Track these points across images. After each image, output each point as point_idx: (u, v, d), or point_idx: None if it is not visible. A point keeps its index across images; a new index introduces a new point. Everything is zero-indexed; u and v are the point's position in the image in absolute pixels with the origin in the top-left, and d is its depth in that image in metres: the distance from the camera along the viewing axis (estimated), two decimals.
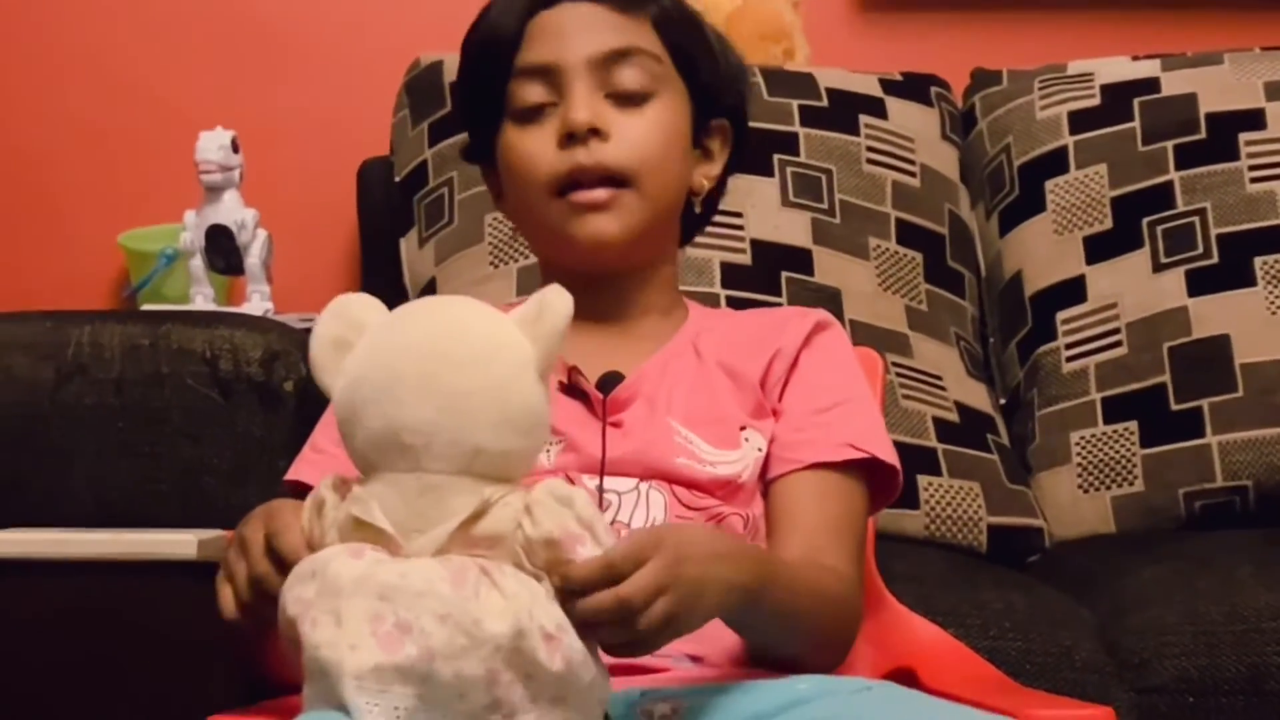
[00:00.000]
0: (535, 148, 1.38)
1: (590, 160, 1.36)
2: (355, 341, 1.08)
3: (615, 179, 1.37)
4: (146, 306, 2.30)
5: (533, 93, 1.39)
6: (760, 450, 1.36)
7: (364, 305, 1.10)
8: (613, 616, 1.04)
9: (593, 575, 1.03)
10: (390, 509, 1.04)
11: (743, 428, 1.37)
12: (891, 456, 1.38)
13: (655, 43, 1.40)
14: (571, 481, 1.30)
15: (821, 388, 1.40)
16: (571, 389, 1.35)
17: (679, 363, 1.40)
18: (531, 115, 1.39)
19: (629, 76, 1.38)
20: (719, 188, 1.50)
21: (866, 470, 1.38)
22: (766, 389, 1.39)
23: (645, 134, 1.38)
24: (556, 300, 1.07)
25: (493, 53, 1.41)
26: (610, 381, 1.35)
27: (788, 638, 1.24)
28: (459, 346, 1.05)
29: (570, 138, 1.36)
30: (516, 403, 1.05)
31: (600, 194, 1.36)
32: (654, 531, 1.10)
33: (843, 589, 1.30)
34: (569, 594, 1.04)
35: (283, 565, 1.07)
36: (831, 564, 1.31)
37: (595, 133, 1.36)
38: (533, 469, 1.09)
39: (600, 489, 1.31)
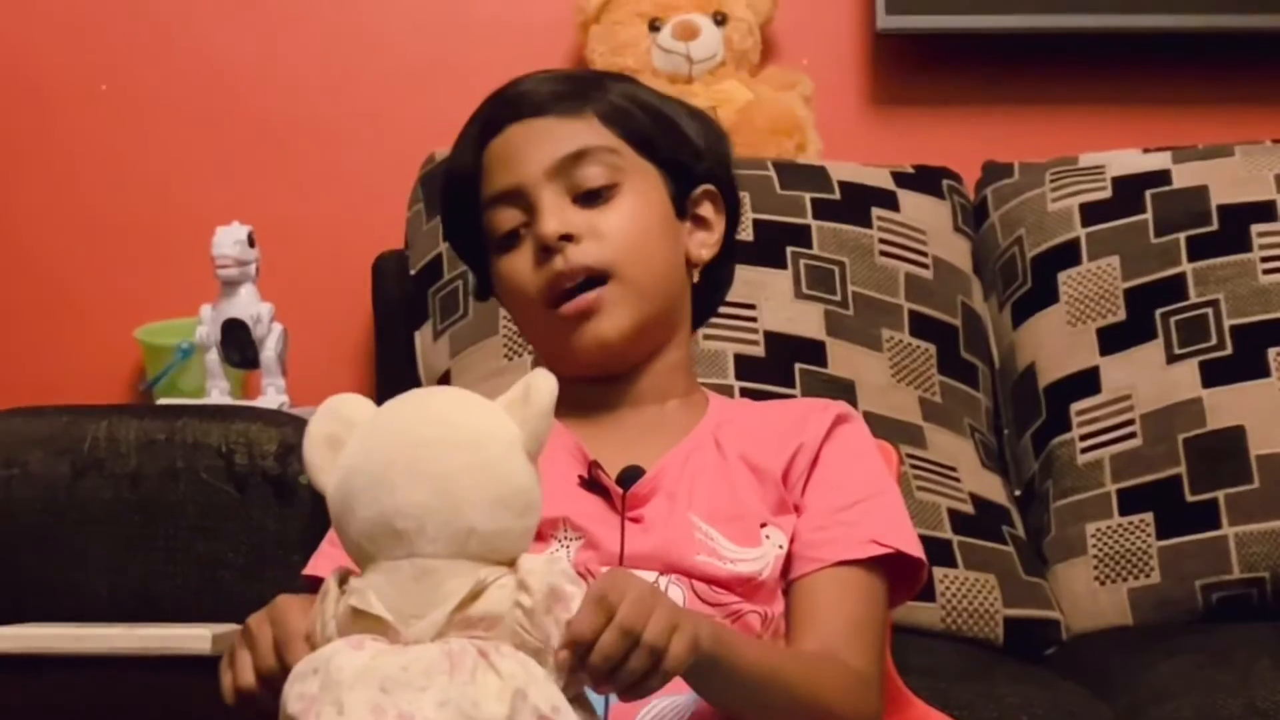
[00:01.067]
0: (519, 270, 1.40)
1: (567, 266, 1.38)
2: (347, 439, 1.09)
3: (596, 277, 1.38)
4: (163, 401, 2.31)
5: (506, 219, 1.41)
6: (781, 548, 1.36)
7: (354, 404, 1.12)
8: (624, 647, 1.05)
9: (594, 617, 1.04)
10: (387, 597, 1.05)
11: (764, 524, 1.36)
12: (916, 549, 1.38)
13: (607, 136, 1.42)
14: (591, 574, 1.30)
15: (844, 484, 1.39)
16: (592, 484, 1.35)
17: (700, 456, 1.40)
18: (510, 242, 1.41)
19: (589, 175, 1.40)
20: (725, 255, 1.50)
21: (889, 564, 1.37)
22: (789, 484, 1.39)
23: (617, 227, 1.39)
24: (541, 382, 1.09)
25: (460, 192, 1.45)
26: (631, 476, 1.35)
27: (759, 698, 1.22)
28: (446, 431, 1.07)
29: (545, 250, 1.38)
30: (507, 482, 1.07)
31: (587, 298, 1.38)
32: (616, 570, 1.13)
33: (853, 683, 1.29)
34: (579, 656, 1.05)
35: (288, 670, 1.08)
36: (849, 661, 1.30)
37: (567, 238, 1.38)
38: (526, 550, 1.09)
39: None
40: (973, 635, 2.03)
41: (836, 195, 2.31)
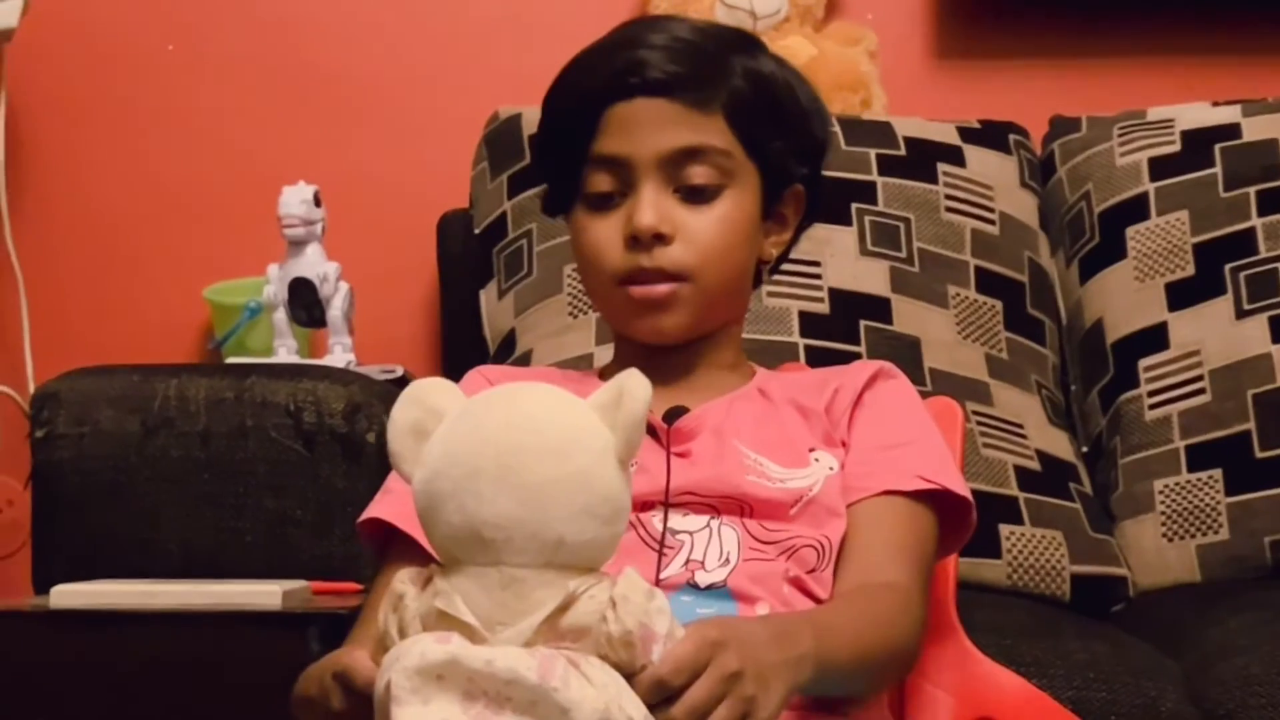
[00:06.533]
0: (602, 239, 1.42)
1: (652, 264, 1.40)
2: (433, 429, 1.07)
3: (674, 278, 1.40)
4: (231, 359, 2.32)
5: (604, 181, 1.42)
6: (832, 469, 1.38)
7: (441, 391, 1.10)
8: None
9: (647, 695, 1.02)
10: (474, 603, 1.03)
11: (811, 449, 1.39)
12: (963, 489, 1.39)
13: (726, 136, 1.42)
14: (643, 528, 1.32)
15: (889, 426, 1.42)
16: None
17: (744, 403, 1.43)
18: (602, 204, 1.43)
19: (698, 174, 1.41)
20: (789, 245, 1.53)
21: (938, 506, 1.39)
22: (833, 419, 1.42)
23: (709, 234, 1.41)
24: (635, 386, 1.07)
25: (570, 136, 1.45)
26: (675, 413, 1.38)
27: (858, 674, 1.25)
28: (536, 437, 1.05)
29: (635, 240, 1.39)
30: (597, 491, 1.05)
31: (660, 290, 1.40)
32: (711, 633, 1.07)
33: (894, 600, 1.30)
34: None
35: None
36: (886, 578, 1.32)
37: (659, 238, 1.39)
38: (613, 555, 1.08)
39: (665, 518, 1.31)
40: (1039, 592, 2.03)
41: (902, 151, 2.29)
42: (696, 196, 1.41)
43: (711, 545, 1.33)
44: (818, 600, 1.33)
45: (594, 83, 1.44)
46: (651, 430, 1.36)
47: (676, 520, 1.33)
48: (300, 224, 2.25)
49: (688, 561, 1.32)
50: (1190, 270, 2.22)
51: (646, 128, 1.41)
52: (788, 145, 1.46)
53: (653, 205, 1.39)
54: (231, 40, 2.66)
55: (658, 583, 1.28)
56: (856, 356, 2.10)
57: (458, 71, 2.64)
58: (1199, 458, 2.13)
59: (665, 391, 1.41)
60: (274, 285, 2.28)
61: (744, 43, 1.48)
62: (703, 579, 1.31)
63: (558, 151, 1.46)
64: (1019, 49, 2.65)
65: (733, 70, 1.43)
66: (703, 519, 1.33)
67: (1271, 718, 1.67)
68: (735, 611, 1.29)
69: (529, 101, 2.32)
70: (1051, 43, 2.65)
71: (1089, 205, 2.32)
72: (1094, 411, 2.26)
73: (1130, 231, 2.27)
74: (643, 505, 1.32)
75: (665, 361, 1.43)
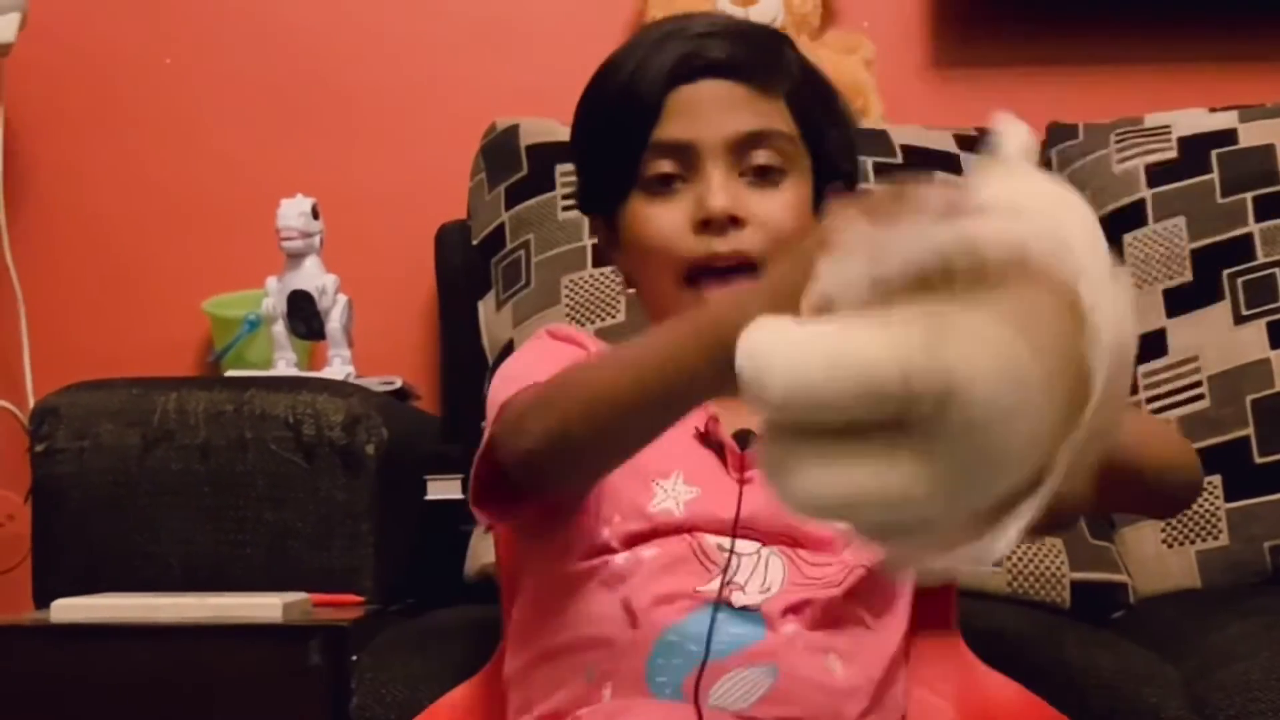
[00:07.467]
0: (668, 227, 1.38)
1: (727, 248, 1.36)
2: None
3: (747, 265, 1.35)
4: (230, 372, 2.33)
5: (667, 165, 1.39)
6: None
7: None
8: None
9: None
10: None
11: None
12: None
13: (788, 121, 1.41)
14: (699, 529, 1.31)
15: None
16: (708, 439, 1.35)
17: None
18: (663, 187, 1.39)
19: (764, 157, 1.39)
20: None
21: None
22: None
23: (779, 217, 1.38)
24: None
25: (630, 122, 1.41)
26: (746, 437, 1.34)
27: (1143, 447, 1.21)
28: None
29: (706, 224, 1.36)
30: None
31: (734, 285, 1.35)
32: None
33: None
34: None
35: None
36: None
37: (734, 220, 1.36)
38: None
39: (731, 548, 1.29)
40: (1039, 599, 2.03)
41: (899, 159, 2.30)
42: (762, 180, 1.38)
43: (756, 573, 1.31)
44: (860, 620, 1.32)
45: (652, 69, 1.40)
46: (720, 450, 1.35)
47: (728, 540, 1.30)
48: (298, 236, 2.25)
49: (729, 582, 1.29)
50: (1188, 276, 2.22)
51: (712, 112, 1.38)
52: (838, 138, 1.45)
53: (725, 188, 1.36)
54: (229, 54, 2.66)
55: (694, 594, 1.28)
56: None
57: (455, 83, 2.64)
58: None
59: (731, 406, 1.40)
60: (273, 298, 2.28)
61: (786, 37, 1.49)
62: (738, 600, 1.29)
63: (612, 142, 1.41)
64: (1015, 57, 2.65)
65: (788, 58, 1.43)
66: (753, 545, 1.31)
67: None
68: (764, 632, 1.28)
69: (526, 112, 2.34)
70: (1048, 50, 2.65)
71: None
72: None
73: (1128, 238, 2.27)
74: (705, 527, 1.30)
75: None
